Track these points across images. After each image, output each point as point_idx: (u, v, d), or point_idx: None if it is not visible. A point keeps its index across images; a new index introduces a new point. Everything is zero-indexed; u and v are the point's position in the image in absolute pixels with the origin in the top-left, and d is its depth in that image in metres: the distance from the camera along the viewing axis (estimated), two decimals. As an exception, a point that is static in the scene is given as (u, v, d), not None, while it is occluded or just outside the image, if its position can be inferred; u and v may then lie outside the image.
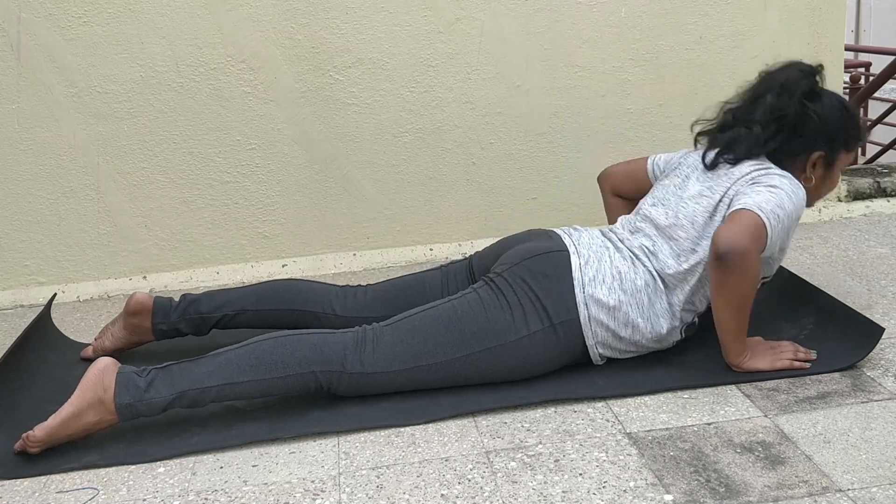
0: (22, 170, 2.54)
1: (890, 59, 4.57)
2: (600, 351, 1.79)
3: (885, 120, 5.12)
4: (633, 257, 1.81)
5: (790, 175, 1.76)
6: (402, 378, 1.73)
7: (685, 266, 1.76)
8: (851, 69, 5.49)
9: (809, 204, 1.83)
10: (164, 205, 2.60)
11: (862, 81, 5.51)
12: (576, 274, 1.77)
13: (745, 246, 1.62)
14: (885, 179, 2.97)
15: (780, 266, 2.16)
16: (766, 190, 1.70)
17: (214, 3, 2.51)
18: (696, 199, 1.80)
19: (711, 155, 1.84)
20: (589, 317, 1.75)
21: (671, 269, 1.77)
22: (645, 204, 1.90)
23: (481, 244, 2.74)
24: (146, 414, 1.64)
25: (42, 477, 1.57)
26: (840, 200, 2.93)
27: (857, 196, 2.93)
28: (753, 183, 1.73)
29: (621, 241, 1.85)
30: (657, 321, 1.78)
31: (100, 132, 2.54)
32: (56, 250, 2.59)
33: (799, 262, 2.41)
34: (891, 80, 4.67)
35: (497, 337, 1.72)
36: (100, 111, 2.53)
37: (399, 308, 1.87)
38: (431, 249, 2.73)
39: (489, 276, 1.82)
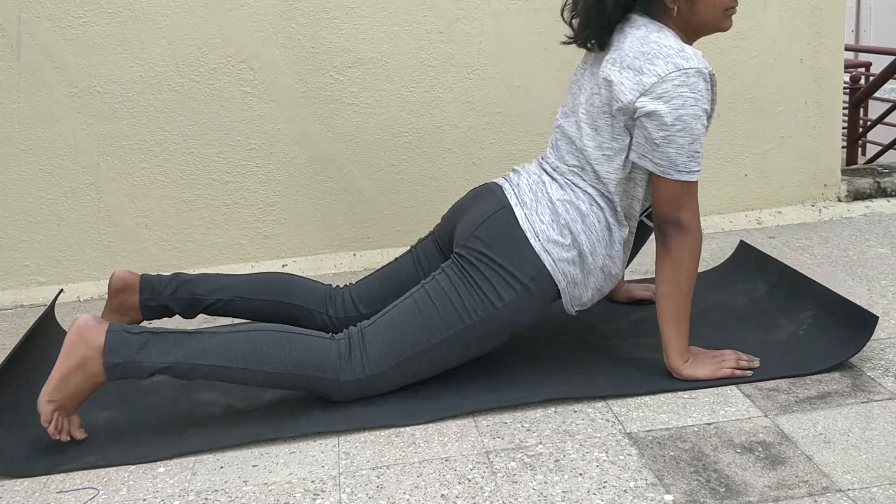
0: (22, 170, 2.54)
1: (890, 59, 4.59)
2: (570, 292, 1.77)
3: (885, 120, 5.12)
4: (570, 183, 1.79)
5: (669, 55, 1.64)
6: (396, 374, 1.73)
7: (610, 169, 1.74)
8: (851, 69, 5.49)
9: (704, 33, 1.75)
10: (164, 205, 2.60)
11: (862, 81, 5.51)
12: (524, 225, 1.75)
13: (676, 217, 1.69)
14: (885, 179, 2.97)
15: (777, 261, 2.17)
16: (667, 124, 1.64)
17: (214, 3, 2.51)
18: (589, 101, 1.77)
19: (582, 36, 1.80)
20: (553, 261, 1.73)
21: (604, 178, 1.75)
22: (558, 115, 1.88)
23: (481, 244, 2.75)
24: (133, 376, 1.63)
25: (42, 477, 1.57)
26: (840, 200, 2.93)
27: (857, 196, 2.94)
28: (645, 100, 1.65)
29: (555, 170, 1.82)
30: (609, 238, 1.77)
31: (100, 132, 2.54)
32: (56, 250, 2.59)
33: (799, 261, 2.41)
34: (891, 80, 4.69)
35: (474, 314, 1.72)
36: (100, 111, 2.53)
37: (384, 302, 1.88)
38: (431, 249, 2.73)
39: (452, 255, 1.80)
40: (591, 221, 1.76)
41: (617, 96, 1.68)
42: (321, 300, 1.96)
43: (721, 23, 1.77)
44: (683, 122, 1.65)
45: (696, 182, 1.69)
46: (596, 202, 1.77)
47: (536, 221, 1.75)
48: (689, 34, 1.75)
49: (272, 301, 1.94)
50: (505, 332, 1.77)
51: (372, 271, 2.65)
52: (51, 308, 2.16)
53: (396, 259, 2.01)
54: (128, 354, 1.61)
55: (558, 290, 1.77)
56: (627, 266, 1.90)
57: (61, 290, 2.20)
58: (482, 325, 1.73)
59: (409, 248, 2.03)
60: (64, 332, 2.16)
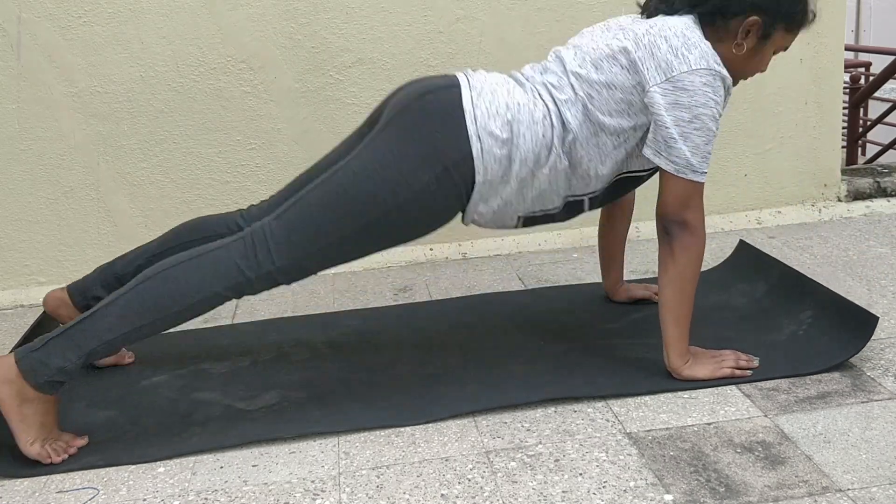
0: (22, 170, 2.54)
1: (890, 59, 4.58)
2: (481, 192, 1.68)
3: (885, 120, 5.12)
4: (536, 91, 1.71)
5: (707, 54, 1.64)
6: (312, 263, 1.68)
7: (585, 112, 1.69)
8: (851, 69, 5.49)
9: (734, 82, 1.73)
10: (164, 205, 2.60)
11: (862, 81, 5.51)
12: (467, 106, 1.66)
13: (683, 217, 1.67)
14: (885, 179, 2.97)
15: (776, 260, 2.17)
16: (685, 120, 1.63)
17: (214, 3, 2.51)
18: (604, 41, 1.73)
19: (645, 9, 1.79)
20: (482, 151, 1.65)
21: (573, 110, 1.69)
22: (559, 47, 1.81)
23: (481, 244, 2.75)
24: (69, 379, 1.62)
25: (42, 477, 1.57)
26: (840, 200, 2.93)
27: (857, 196, 2.93)
28: (667, 88, 1.63)
29: (526, 79, 1.75)
30: (546, 157, 1.69)
31: (100, 132, 2.54)
32: (56, 250, 2.59)
33: (799, 262, 2.41)
34: (891, 80, 4.69)
35: (388, 195, 1.64)
36: (100, 111, 2.53)
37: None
38: (432, 249, 2.73)
39: (379, 124, 1.70)
40: (537, 131, 1.67)
41: (641, 60, 1.66)
42: (230, 221, 1.89)
43: (756, 73, 1.80)
44: (701, 120, 1.65)
45: (703, 184, 1.69)
46: (552, 120, 1.68)
47: (480, 106, 1.66)
48: (728, 69, 1.71)
49: (183, 244, 1.86)
50: (420, 224, 1.70)
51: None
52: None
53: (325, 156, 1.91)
54: (43, 369, 1.58)
55: (472, 188, 1.68)
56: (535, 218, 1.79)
57: None
58: (395, 211, 1.65)
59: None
60: None
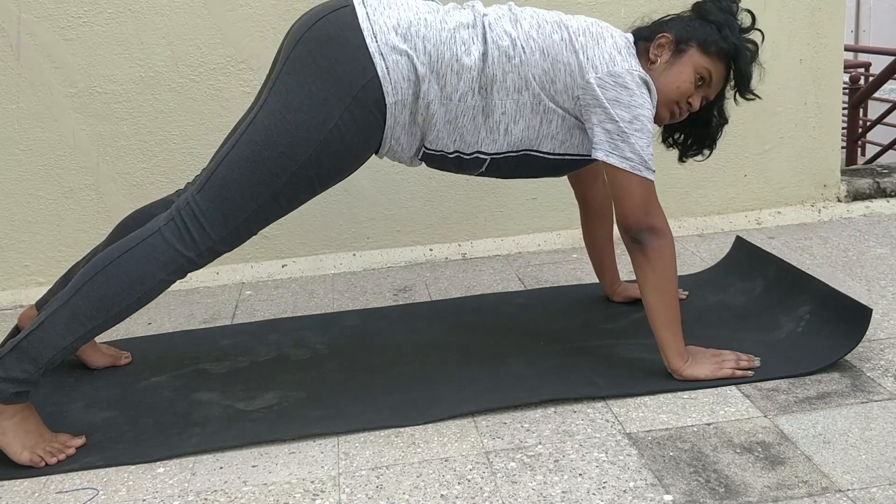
0: (22, 170, 2.54)
1: (890, 59, 4.59)
2: (395, 115, 1.61)
3: (885, 120, 5.12)
4: (453, 21, 1.64)
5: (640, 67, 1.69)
6: (250, 226, 1.64)
7: (514, 62, 1.65)
8: (851, 69, 5.49)
9: (658, 113, 1.75)
10: (163, 205, 2.60)
11: (862, 81, 5.51)
12: (364, 24, 1.57)
13: (649, 223, 1.68)
14: (885, 180, 2.97)
15: (773, 256, 2.17)
16: (626, 120, 1.64)
17: (214, 3, 2.51)
18: (553, 14, 1.73)
19: None
20: (388, 68, 1.57)
21: (500, 55, 1.63)
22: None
23: (481, 244, 2.75)
24: (34, 387, 1.60)
25: (42, 477, 1.57)
26: (840, 201, 2.93)
27: (856, 196, 2.94)
28: (608, 82, 1.64)
29: (461, 7, 1.68)
30: (461, 87, 1.62)
31: (99, 132, 2.54)
32: (56, 250, 2.59)
33: (799, 262, 2.41)
34: (890, 81, 4.69)
35: (306, 145, 1.58)
36: (100, 111, 2.53)
37: None
38: (431, 250, 2.74)
39: (278, 66, 1.63)
40: (443, 52, 1.60)
41: (582, 57, 1.66)
42: (171, 202, 1.83)
43: (672, 105, 1.77)
44: (641, 121, 1.66)
45: (654, 183, 1.70)
46: (472, 50, 1.63)
47: (378, 21, 1.58)
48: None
49: (122, 236, 1.79)
50: (346, 159, 1.64)
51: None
52: None
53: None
54: (5, 385, 1.57)
55: (385, 111, 1.61)
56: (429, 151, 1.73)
57: None
58: (316, 155, 1.60)
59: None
60: None
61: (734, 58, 1.76)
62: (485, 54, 1.63)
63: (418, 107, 1.63)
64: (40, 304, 1.88)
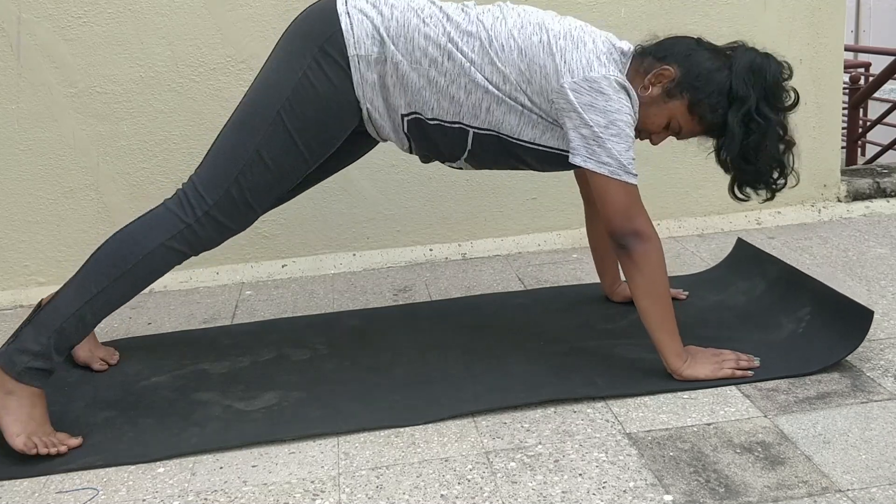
0: (22, 170, 2.54)
1: (890, 59, 4.59)
2: (360, 70, 1.67)
3: (885, 120, 5.12)
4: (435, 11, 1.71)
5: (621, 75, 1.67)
6: (243, 191, 1.71)
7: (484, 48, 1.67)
8: (851, 69, 5.49)
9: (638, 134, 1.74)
10: (163, 205, 2.60)
11: (862, 81, 5.51)
12: None
13: (633, 228, 1.67)
14: (885, 180, 2.97)
15: (774, 258, 2.17)
16: (601, 125, 1.63)
17: (214, 3, 2.51)
18: (536, 16, 1.72)
19: None
20: (352, 25, 1.68)
21: (471, 41, 1.68)
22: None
23: (481, 244, 2.75)
24: (48, 366, 1.64)
25: (42, 477, 1.57)
26: (840, 201, 2.93)
27: (856, 196, 2.93)
28: (584, 87, 1.64)
29: None
30: (430, 53, 1.67)
31: (99, 132, 2.54)
32: (56, 250, 2.59)
33: (799, 262, 2.41)
34: (890, 81, 4.69)
35: (279, 95, 1.68)
36: (100, 111, 2.53)
37: None
38: (431, 250, 2.74)
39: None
40: (410, 19, 1.68)
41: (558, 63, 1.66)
42: None
43: (651, 133, 1.79)
44: (618, 126, 1.65)
45: (637, 186, 1.68)
46: (445, 27, 1.68)
47: None
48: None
49: None
50: (323, 115, 1.70)
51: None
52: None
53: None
54: (20, 356, 1.61)
55: (348, 64, 1.68)
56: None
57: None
58: (289, 105, 1.68)
59: None
60: None
61: (724, 135, 1.71)
62: (456, 33, 1.67)
63: (386, 69, 1.68)
64: None
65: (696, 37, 1.79)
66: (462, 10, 1.72)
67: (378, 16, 1.68)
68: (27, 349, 1.62)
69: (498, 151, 1.77)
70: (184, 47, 2.52)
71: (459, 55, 1.67)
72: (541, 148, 1.75)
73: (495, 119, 1.71)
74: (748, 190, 1.79)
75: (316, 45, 1.67)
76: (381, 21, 1.67)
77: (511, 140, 1.74)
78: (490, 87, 1.68)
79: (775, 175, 1.76)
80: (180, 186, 1.75)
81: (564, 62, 1.65)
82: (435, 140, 1.76)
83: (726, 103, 1.69)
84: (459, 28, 1.68)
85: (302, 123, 1.69)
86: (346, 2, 1.69)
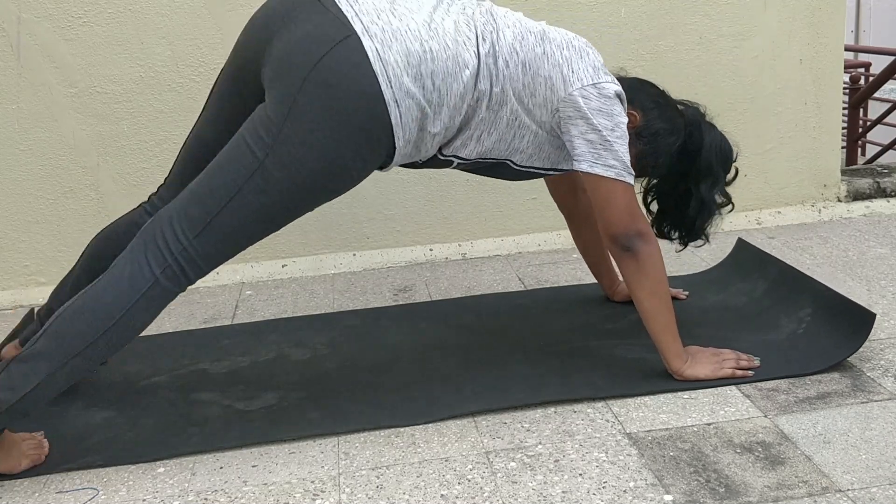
0: (22, 170, 2.54)
1: (890, 59, 4.58)
2: (402, 150, 1.57)
3: (885, 120, 5.12)
4: (463, 35, 1.56)
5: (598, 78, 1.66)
6: (241, 248, 1.59)
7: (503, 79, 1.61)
8: (851, 69, 5.49)
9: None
10: (163, 205, 2.60)
11: (862, 81, 5.51)
12: (376, 67, 1.47)
13: (637, 229, 1.67)
14: (885, 180, 2.97)
15: (775, 258, 2.17)
16: (608, 128, 1.64)
17: (214, 3, 2.51)
18: (532, 24, 1.69)
19: None
20: (401, 116, 1.51)
21: (496, 73, 1.59)
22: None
23: (481, 244, 2.75)
24: (30, 411, 1.52)
25: (42, 477, 1.57)
26: (840, 201, 2.93)
27: (856, 196, 2.93)
28: (592, 93, 1.64)
29: (456, 12, 1.59)
30: (463, 106, 1.57)
31: (99, 132, 2.54)
32: (56, 250, 2.59)
33: (799, 262, 2.41)
34: (890, 81, 4.69)
35: (316, 191, 1.56)
36: (100, 111, 2.53)
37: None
38: (431, 250, 2.73)
39: (276, 96, 1.50)
40: (451, 85, 1.54)
41: (563, 74, 1.64)
42: (141, 221, 1.73)
43: None
44: (621, 129, 1.66)
45: (634, 188, 1.70)
46: (475, 79, 1.57)
47: (390, 59, 1.48)
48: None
49: (100, 268, 1.64)
50: (344, 191, 1.60)
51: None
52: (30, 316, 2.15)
53: (193, 128, 1.77)
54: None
55: (394, 153, 1.58)
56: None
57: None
58: (322, 196, 1.57)
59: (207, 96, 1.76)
60: None
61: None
62: (478, 75, 1.58)
63: (423, 136, 1.59)
64: (23, 337, 1.82)
65: (660, 89, 1.85)
66: (473, 30, 1.59)
67: (422, 91, 1.52)
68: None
69: (480, 170, 1.78)
70: (184, 47, 2.52)
71: (477, 94, 1.60)
72: (523, 169, 1.76)
73: (484, 148, 1.68)
74: (673, 234, 1.95)
75: (365, 145, 1.52)
76: (424, 99, 1.53)
77: (497, 163, 1.74)
78: (489, 113, 1.63)
79: (701, 232, 1.93)
80: (166, 248, 1.53)
81: (572, 71, 1.65)
82: (419, 164, 1.73)
83: (669, 166, 1.83)
84: (477, 56, 1.58)
85: (329, 195, 1.60)
86: (389, 81, 1.49)
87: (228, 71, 1.69)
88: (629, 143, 1.70)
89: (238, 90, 1.66)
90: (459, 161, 1.71)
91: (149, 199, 1.83)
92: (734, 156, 1.91)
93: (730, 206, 1.93)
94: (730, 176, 1.92)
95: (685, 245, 1.95)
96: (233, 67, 1.67)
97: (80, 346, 1.49)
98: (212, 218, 1.53)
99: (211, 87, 1.78)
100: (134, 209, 1.85)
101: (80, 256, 1.84)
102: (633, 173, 1.69)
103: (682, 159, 1.84)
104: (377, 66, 1.47)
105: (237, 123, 1.60)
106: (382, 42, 1.49)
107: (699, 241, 1.94)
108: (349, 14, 1.50)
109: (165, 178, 1.82)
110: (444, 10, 1.59)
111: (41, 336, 1.51)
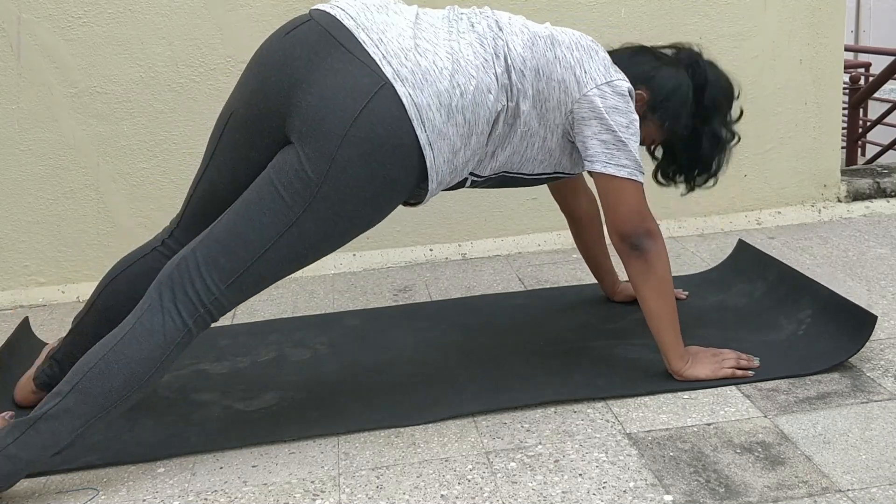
0: (22, 170, 2.54)
1: (890, 59, 4.59)
2: (431, 187, 1.57)
3: (885, 120, 5.12)
4: (464, 42, 1.55)
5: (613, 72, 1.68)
6: (254, 284, 1.55)
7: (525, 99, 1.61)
8: (851, 69, 5.49)
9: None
10: (164, 205, 2.60)
11: (862, 81, 5.51)
12: (411, 112, 1.46)
13: (646, 227, 1.68)
14: (885, 180, 2.97)
15: (776, 260, 2.17)
16: (623, 125, 1.65)
17: (214, 3, 2.51)
18: (537, 27, 1.68)
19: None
20: (434, 158, 1.52)
21: (505, 80, 1.58)
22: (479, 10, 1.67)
23: (481, 244, 2.75)
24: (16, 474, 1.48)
25: (42, 477, 1.57)
26: (840, 201, 2.93)
27: (856, 196, 2.94)
28: (607, 91, 1.65)
29: (475, 32, 1.59)
30: (485, 135, 1.58)
31: (100, 132, 2.54)
32: (56, 250, 2.59)
33: (799, 262, 2.41)
34: (890, 81, 4.69)
35: (347, 237, 1.58)
36: (100, 111, 2.53)
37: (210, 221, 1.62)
38: (431, 250, 2.73)
39: (310, 147, 1.47)
40: (480, 116, 1.55)
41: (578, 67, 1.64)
42: (157, 266, 1.66)
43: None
44: (635, 126, 1.67)
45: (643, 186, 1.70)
46: (498, 104, 1.57)
47: (423, 101, 1.48)
48: None
49: (118, 312, 1.62)
50: (371, 226, 1.61)
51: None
52: (26, 323, 2.15)
53: (203, 166, 1.72)
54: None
55: (426, 195, 1.60)
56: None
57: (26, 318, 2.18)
58: (350, 238, 1.59)
59: (216, 141, 1.70)
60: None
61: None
62: (497, 95, 1.57)
63: (453, 171, 1.60)
64: (43, 385, 1.77)
65: (638, 45, 1.85)
66: (491, 50, 1.58)
67: (453, 129, 1.52)
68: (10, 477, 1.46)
69: (488, 184, 1.79)
70: (184, 47, 2.52)
71: (494, 116, 1.60)
72: (532, 177, 1.77)
73: (498, 164, 1.69)
74: (679, 178, 1.91)
75: (402, 193, 1.55)
76: (456, 136, 1.53)
77: (507, 176, 1.75)
78: (504, 127, 1.63)
79: (717, 169, 1.90)
80: (196, 298, 1.50)
81: (585, 71, 1.65)
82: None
83: (691, 115, 1.80)
84: (497, 78, 1.57)
85: (358, 235, 1.61)
86: (423, 125, 1.48)
87: (242, 115, 1.61)
88: (648, 121, 1.74)
89: (252, 139, 1.60)
90: (473, 179, 1.72)
91: (162, 242, 1.75)
92: (736, 92, 1.88)
93: (736, 139, 1.90)
94: (735, 114, 1.89)
95: (692, 189, 1.91)
96: (248, 114, 1.60)
97: (113, 400, 1.47)
98: (245, 269, 1.52)
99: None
100: (145, 251, 1.77)
101: (95, 297, 1.77)
102: (644, 171, 1.69)
103: (696, 100, 1.81)
104: (412, 112, 1.47)
105: (253, 171, 1.58)
106: (414, 86, 1.48)
107: (710, 182, 1.90)
108: (377, 57, 1.48)
109: (178, 221, 1.75)
110: (457, 33, 1.58)
111: (70, 392, 1.46)
